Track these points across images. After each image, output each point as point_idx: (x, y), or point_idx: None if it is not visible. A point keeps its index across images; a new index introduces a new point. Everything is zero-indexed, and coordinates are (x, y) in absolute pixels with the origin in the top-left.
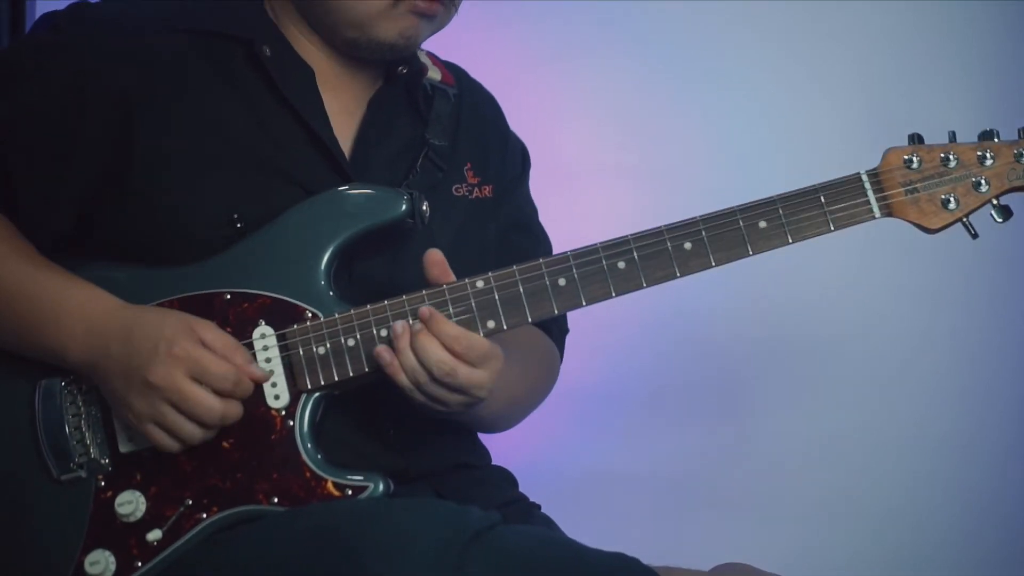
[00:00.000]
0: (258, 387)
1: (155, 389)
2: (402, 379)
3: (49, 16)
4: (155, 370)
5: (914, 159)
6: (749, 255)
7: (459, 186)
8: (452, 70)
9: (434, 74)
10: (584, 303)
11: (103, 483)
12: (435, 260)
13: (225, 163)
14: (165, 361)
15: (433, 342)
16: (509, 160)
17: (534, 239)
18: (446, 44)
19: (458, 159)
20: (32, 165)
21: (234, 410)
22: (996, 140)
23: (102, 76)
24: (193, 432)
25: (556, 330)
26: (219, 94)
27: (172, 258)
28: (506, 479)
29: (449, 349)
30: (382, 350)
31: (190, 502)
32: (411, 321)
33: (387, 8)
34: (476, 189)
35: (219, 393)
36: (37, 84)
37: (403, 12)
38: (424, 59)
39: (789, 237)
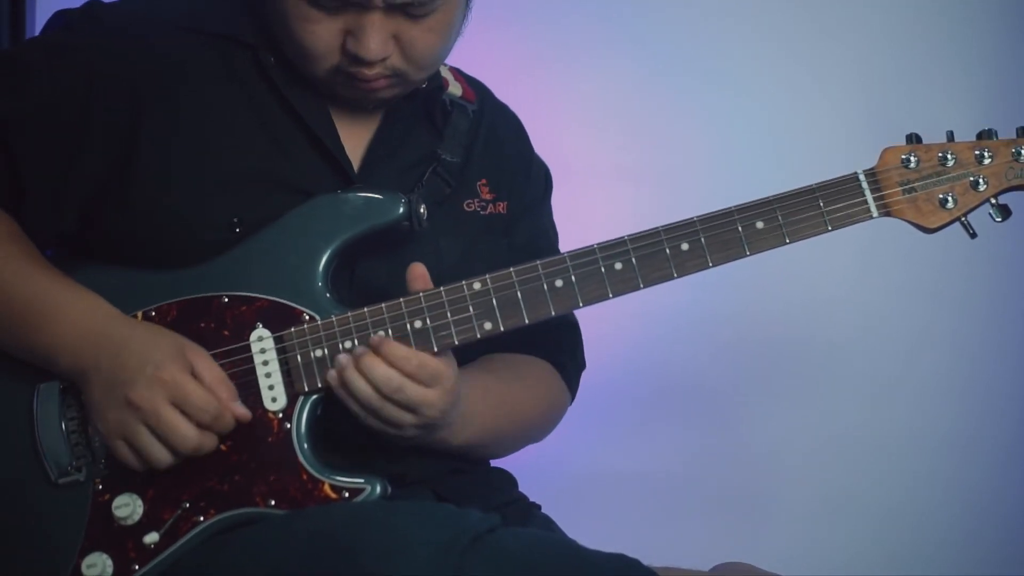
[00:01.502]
0: (255, 390)
1: (134, 408)
2: (352, 405)
3: (62, 14)
4: (137, 390)
5: (911, 158)
6: (746, 255)
7: (471, 201)
8: (474, 86)
9: (455, 89)
10: (581, 304)
11: (100, 486)
12: (417, 274)
13: (229, 167)
14: (149, 383)
15: (376, 361)
16: (533, 182)
17: None
18: None
19: (471, 175)
20: (39, 163)
21: (209, 443)
22: (994, 139)
23: (111, 77)
24: (162, 457)
25: (572, 366)
26: (226, 97)
27: (171, 259)
28: (506, 479)
29: (400, 369)
30: (332, 375)
31: (187, 505)
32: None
33: (327, 75)
34: (490, 205)
35: (198, 424)
36: (46, 82)
37: (345, 80)
38: (446, 73)
39: (787, 238)
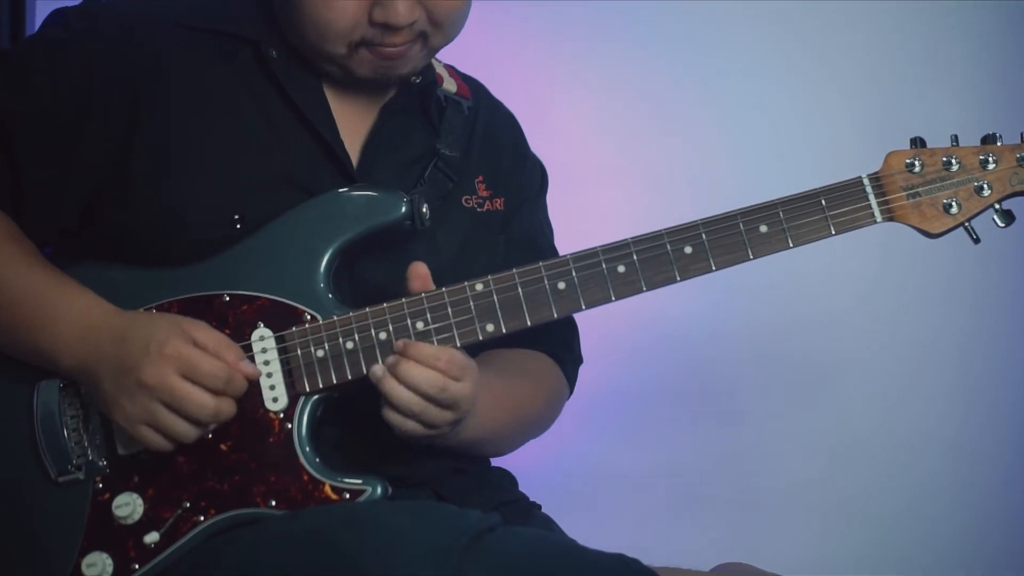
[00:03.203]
0: (256, 389)
1: (147, 389)
2: (393, 416)
3: (60, 12)
4: (146, 370)
5: (916, 162)
6: (750, 259)
7: (468, 197)
8: (469, 83)
9: (449, 86)
10: (584, 306)
11: (101, 485)
12: (418, 273)
13: (230, 164)
14: (156, 361)
15: (414, 365)
16: (528, 177)
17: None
18: None
19: (469, 170)
20: (39, 161)
21: (227, 407)
22: (998, 143)
23: (111, 75)
24: (187, 431)
25: (570, 360)
26: (227, 94)
27: (172, 257)
28: (506, 479)
29: (432, 368)
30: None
31: (188, 504)
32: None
33: (347, 54)
34: (487, 201)
35: (211, 391)
36: (46, 81)
37: (368, 56)
38: (440, 70)
39: (790, 241)
